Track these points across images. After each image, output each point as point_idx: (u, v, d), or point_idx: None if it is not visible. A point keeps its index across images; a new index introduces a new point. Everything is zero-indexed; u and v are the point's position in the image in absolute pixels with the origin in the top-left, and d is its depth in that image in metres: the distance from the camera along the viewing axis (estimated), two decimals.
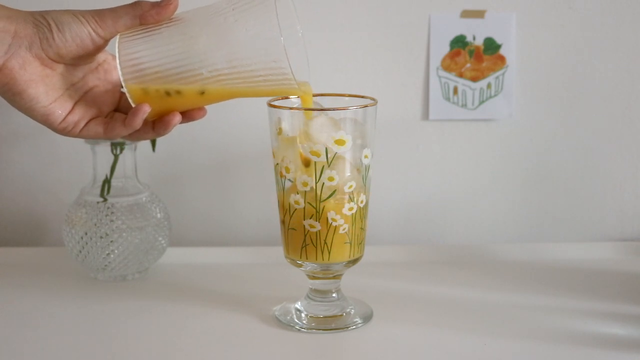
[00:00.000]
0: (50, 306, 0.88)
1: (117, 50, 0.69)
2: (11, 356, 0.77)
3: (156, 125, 0.72)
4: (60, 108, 0.70)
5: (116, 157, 0.94)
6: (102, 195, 0.94)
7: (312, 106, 0.77)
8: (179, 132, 1.07)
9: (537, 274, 0.96)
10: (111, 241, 0.92)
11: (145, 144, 1.02)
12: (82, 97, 0.72)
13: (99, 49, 0.70)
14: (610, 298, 0.88)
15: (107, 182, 0.94)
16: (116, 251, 0.93)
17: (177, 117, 0.72)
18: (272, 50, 0.67)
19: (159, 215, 0.96)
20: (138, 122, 0.70)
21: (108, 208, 0.93)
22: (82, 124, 0.71)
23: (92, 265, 0.94)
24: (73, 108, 0.71)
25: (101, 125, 0.72)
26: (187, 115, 0.73)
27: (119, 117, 0.72)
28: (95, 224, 0.92)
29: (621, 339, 0.78)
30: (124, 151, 0.94)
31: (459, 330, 0.80)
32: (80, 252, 0.93)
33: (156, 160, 1.07)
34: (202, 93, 0.70)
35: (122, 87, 0.70)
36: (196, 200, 1.10)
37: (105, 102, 0.73)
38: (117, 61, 0.69)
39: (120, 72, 0.69)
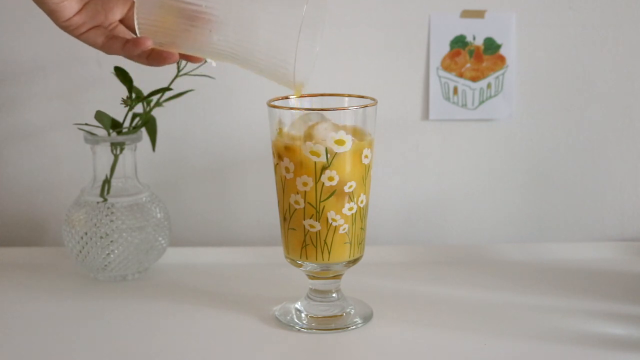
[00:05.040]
0: (50, 306, 0.88)
1: None
2: (11, 356, 0.77)
3: (152, 56, 0.73)
4: (69, 8, 0.71)
5: (116, 157, 0.94)
6: (102, 195, 0.94)
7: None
8: (179, 132, 1.07)
9: (537, 274, 0.96)
10: (111, 241, 0.92)
11: (145, 145, 1.01)
12: None
13: None
14: (610, 298, 0.88)
15: (107, 182, 0.94)
16: (116, 251, 0.93)
17: (174, 57, 0.73)
18: (284, 50, 0.67)
19: (159, 215, 0.96)
20: (136, 52, 0.72)
21: (108, 208, 0.93)
22: (84, 28, 0.73)
23: (92, 265, 0.94)
24: (81, 9, 0.72)
25: (102, 37, 0.73)
26: (184, 56, 0.74)
27: (120, 37, 0.73)
28: (95, 224, 0.92)
29: (621, 339, 0.78)
30: (124, 151, 0.94)
31: (459, 330, 0.80)
32: (80, 252, 0.93)
33: (156, 160, 1.07)
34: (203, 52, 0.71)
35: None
36: (196, 200, 1.10)
37: (113, 10, 0.74)
38: None
39: None
